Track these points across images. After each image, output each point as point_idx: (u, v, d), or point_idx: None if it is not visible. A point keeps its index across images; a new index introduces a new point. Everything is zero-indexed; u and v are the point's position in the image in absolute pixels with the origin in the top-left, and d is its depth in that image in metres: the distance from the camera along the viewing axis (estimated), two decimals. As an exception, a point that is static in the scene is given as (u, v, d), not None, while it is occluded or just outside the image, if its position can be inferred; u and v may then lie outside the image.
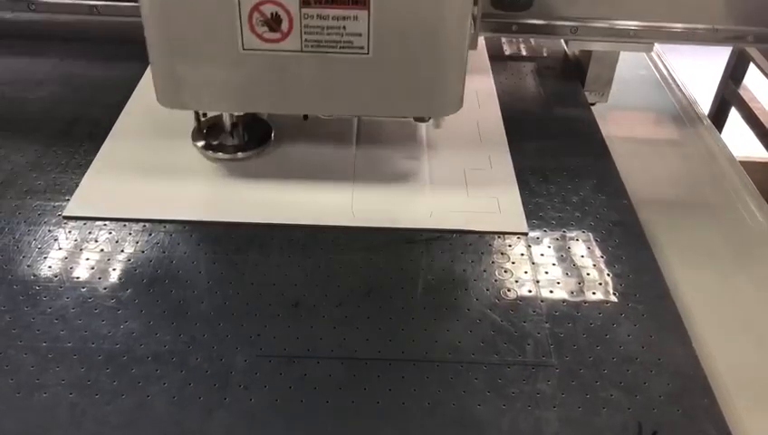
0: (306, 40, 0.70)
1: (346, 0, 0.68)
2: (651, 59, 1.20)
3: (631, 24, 0.94)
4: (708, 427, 0.59)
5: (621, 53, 1.02)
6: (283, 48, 0.71)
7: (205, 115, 0.87)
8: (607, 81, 1.05)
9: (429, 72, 0.73)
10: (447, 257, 0.74)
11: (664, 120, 1.06)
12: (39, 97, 0.98)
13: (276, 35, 0.70)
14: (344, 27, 0.70)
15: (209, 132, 0.87)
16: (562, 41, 1.12)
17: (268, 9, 0.69)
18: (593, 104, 1.04)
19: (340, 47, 0.71)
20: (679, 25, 0.94)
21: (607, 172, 0.87)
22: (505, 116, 0.96)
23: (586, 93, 1.05)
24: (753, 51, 1.30)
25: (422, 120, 0.83)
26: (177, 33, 0.71)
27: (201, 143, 0.86)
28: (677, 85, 1.15)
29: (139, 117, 0.93)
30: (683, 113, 1.07)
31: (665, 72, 1.19)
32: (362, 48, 0.71)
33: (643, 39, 0.95)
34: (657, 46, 1.10)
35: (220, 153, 0.85)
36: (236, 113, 0.85)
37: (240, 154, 0.86)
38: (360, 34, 0.70)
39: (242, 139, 0.87)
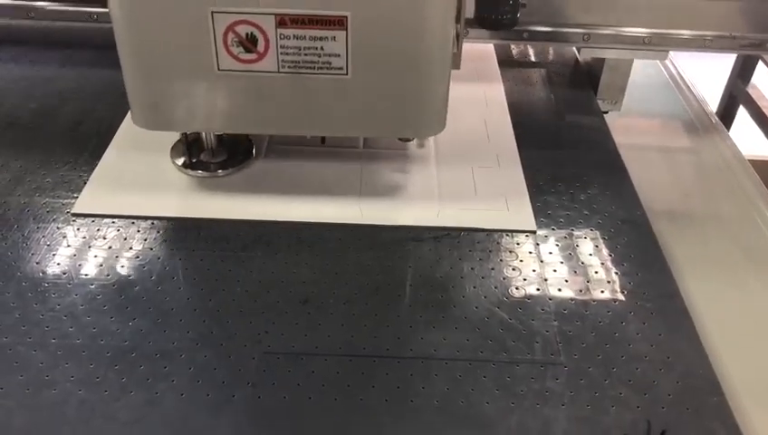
0: (283, 60, 0.69)
1: (323, 20, 0.67)
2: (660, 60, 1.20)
3: (645, 31, 0.93)
4: (717, 425, 0.59)
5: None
6: (260, 69, 0.70)
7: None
8: (620, 88, 1.04)
9: (410, 93, 0.72)
10: (455, 255, 0.74)
11: (676, 126, 1.06)
12: (46, 96, 0.98)
13: (252, 56, 0.69)
14: (322, 48, 0.68)
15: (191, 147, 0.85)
16: (574, 48, 1.11)
17: (243, 30, 0.67)
18: (606, 112, 1.03)
19: (318, 68, 0.70)
20: (694, 32, 0.93)
21: (616, 172, 0.87)
22: (516, 124, 0.95)
23: (599, 101, 1.04)
24: (762, 50, 1.29)
25: (406, 139, 0.82)
26: (152, 54, 0.70)
27: (181, 161, 0.84)
28: (688, 88, 1.14)
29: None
30: (695, 119, 1.07)
31: (674, 73, 1.19)
32: (341, 69, 0.70)
33: (657, 46, 0.95)
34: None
35: (200, 171, 0.83)
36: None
37: (221, 171, 0.83)
38: (339, 55, 0.69)
39: (223, 155, 0.85)
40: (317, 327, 0.66)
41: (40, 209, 0.78)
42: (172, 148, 0.85)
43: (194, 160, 0.84)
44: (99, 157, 0.85)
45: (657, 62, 1.19)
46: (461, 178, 0.84)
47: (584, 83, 1.07)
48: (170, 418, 0.58)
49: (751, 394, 0.63)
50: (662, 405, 0.60)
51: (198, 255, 0.73)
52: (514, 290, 0.70)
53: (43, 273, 0.70)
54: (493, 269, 0.72)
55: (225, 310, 0.67)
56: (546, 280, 0.71)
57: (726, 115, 1.42)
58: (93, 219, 0.77)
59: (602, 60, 1.01)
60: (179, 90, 0.72)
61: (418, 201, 0.80)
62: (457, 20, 0.70)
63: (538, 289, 0.70)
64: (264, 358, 0.63)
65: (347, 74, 0.70)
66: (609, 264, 0.74)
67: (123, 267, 0.71)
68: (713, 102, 1.26)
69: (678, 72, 1.20)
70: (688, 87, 1.16)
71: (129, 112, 0.92)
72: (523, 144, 0.90)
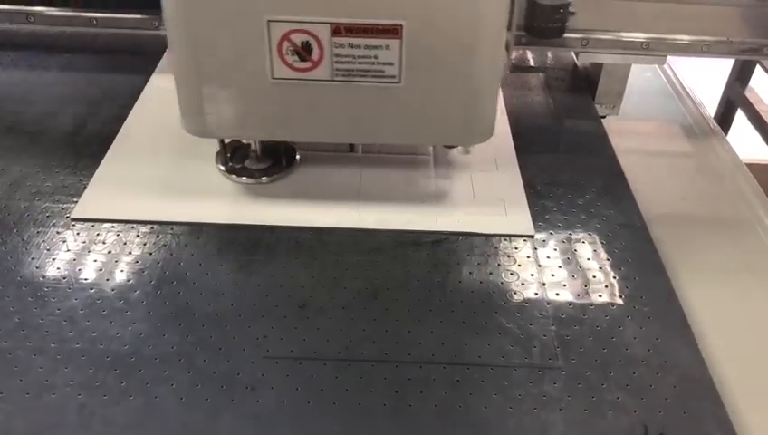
0: (337, 69, 0.70)
1: (378, 29, 0.67)
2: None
3: (643, 36, 0.94)
4: (714, 429, 0.59)
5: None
6: (313, 77, 0.70)
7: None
8: (618, 93, 1.04)
9: (462, 101, 0.72)
10: (453, 260, 0.74)
11: (674, 130, 1.06)
12: (46, 101, 0.98)
13: (306, 64, 0.69)
14: (376, 56, 0.69)
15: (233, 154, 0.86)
16: (572, 52, 1.11)
17: (298, 38, 0.68)
18: (604, 117, 1.04)
19: (372, 76, 0.70)
20: (692, 38, 0.94)
21: (614, 176, 0.88)
22: (514, 128, 0.95)
23: (597, 106, 1.04)
24: (760, 54, 1.29)
25: (451, 146, 0.82)
26: (206, 62, 0.70)
27: (223, 167, 0.84)
28: (686, 92, 1.15)
29: (146, 121, 0.94)
30: (693, 123, 1.08)
31: (672, 78, 1.19)
32: (394, 77, 0.70)
33: (655, 51, 0.95)
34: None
35: (244, 177, 0.83)
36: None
37: (264, 178, 0.83)
38: (392, 63, 0.69)
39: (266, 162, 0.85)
40: (316, 332, 0.66)
41: (40, 214, 0.78)
42: (217, 153, 0.85)
43: (237, 166, 0.84)
44: (99, 161, 0.86)
45: (656, 66, 1.20)
46: (460, 183, 0.84)
47: (582, 88, 1.07)
48: (169, 422, 0.58)
49: (747, 398, 0.64)
50: (659, 409, 0.60)
51: (197, 259, 0.73)
52: (512, 294, 0.71)
53: (43, 277, 0.70)
54: (491, 274, 0.73)
55: (224, 314, 0.67)
56: (544, 284, 0.72)
57: (724, 119, 1.43)
58: (93, 224, 0.77)
59: (600, 65, 1.02)
60: (232, 98, 0.73)
61: (417, 205, 0.80)
62: (508, 27, 0.71)
63: (536, 293, 0.71)
64: (262, 362, 0.63)
65: (400, 83, 0.71)
66: (606, 268, 0.74)
67: (123, 272, 0.71)
68: (711, 107, 1.26)
69: (676, 77, 1.20)
70: (686, 91, 1.16)
71: (128, 118, 0.93)
72: (522, 148, 0.91)
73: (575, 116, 1.01)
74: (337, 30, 0.68)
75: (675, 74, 1.20)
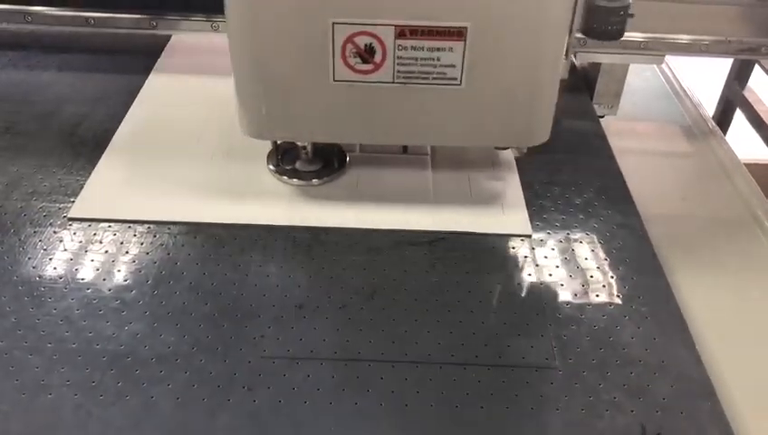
0: (398, 71, 0.70)
1: (443, 31, 0.67)
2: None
3: (640, 35, 0.94)
4: (711, 429, 0.59)
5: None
6: (375, 79, 0.70)
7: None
8: (616, 93, 1.04)
9: (523, 103, 0.72)
10: (451, 259, 0.74)
11: (672, 129, 1.06)
12: (43, 101, 0.98)
13: (368, 66, 0.69)
14: (438, 58, 0.69)
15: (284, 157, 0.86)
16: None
17: (362, 40, 0.68)
18: (602, 117, 1.04)
19: (433, 78, 0.70)
20: (691, 37, 0.94)
21: (612, 176, 0.88)
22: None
23: (595, 105, 1.04)
24: (759, 54, 1.29)
25: (505, 147, 0.82)
26: (267, 64, 0.70)
27: (274, 168, 0.85)
28: (685, 92, 1.15)
29: (143, 120, 0.94)
30: (692, 122, 1.07)
31: (671, 77, 1.19)
32: (455, 79, 0.70)
33: (653, 51, 0.95)
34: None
35: (295, 179, 0.83)
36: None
37: (315, 181, 0.83)
38: (454, 66, 0.69)
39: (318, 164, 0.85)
40: (313, 332, 0.66)
41: (36, 214, 0.78)
42: (269, 154, 0.86)
43: (287, 168, 0.84)
44: (95, 161, 0.85)
45: (654, 66, 1.20)
46: (457, 183, 0.84)
47: (580, 88, 1.07)
48: (166, 422, 0.58)
49: (745, 398, 0.63)
50: (656, 409, 0.60)
51: (194, 259, 0.73)
52: (510, 294, 0.70)
53: (40, 277, 0.70)
54: (488, 273, 0.73)
55: (220, 314, 0.67)
56: (542, 284, 0.72)
57: (723, 119, 1.42)
58: (90, 224, 0.77)
59: (598, 64, 1.01)
60: (292, 100, 0.73)
61: (414, 205, 0.80)
62: (570, 30, 0.71)
63: (533, 293, 0.71)
64: (259, 362, 0.63)
65: (461, 84, 0.70)
66: (604, 268, 0.74)
67: (119, 272, 0.71)
68: (709, 107, 1.26)
69: (675, 76, 1.20)
70: (685, 91, 1.16)
71: (125, 117, 0.93)
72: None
73: (573, 116, 1.00)
74: (402, 32, 0.68)
75: (673, 74, 1.20)
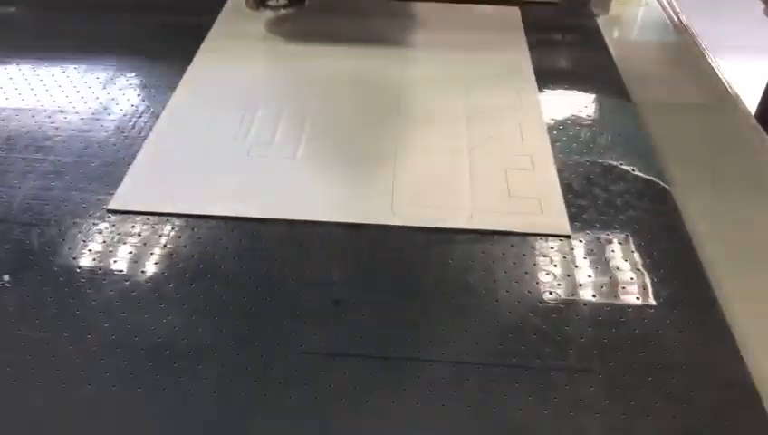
0: None
1: None
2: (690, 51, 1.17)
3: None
4: (756, 439, 0.58)
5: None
6: None
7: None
8: None
9: None
10: (488, 259, 0.73)
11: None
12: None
13: None
14: None
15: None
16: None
17: None
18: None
19: None
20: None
21: (652, 173, 0.86)
22: (550, 126, 0.95)
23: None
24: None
25: None
26: None
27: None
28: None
29: (184, 112, 0.94)
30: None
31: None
32: None
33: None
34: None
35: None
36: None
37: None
38: None
39: None
40: (349, 328, 0.65)
41: (76, 205, 0.79)
42: None
43: None
44: (135, 154, 0.86)
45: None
46: (494, 180, 0.83)
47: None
48: (203, 416, 0.58)
49: (791, 407, 0.62)
50: (699, 417, 0.59)
51: (232, 253, 0.73)
52: (548, 295, 0.69)
53: (80, 268, 0.71)
54: (526, 273, 0.72)
55: (258, 309, 0.67)
56: (581, 286, 0.71)
57: (765, 117, 1.39)
58: (129, 216, 0.77)
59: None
60: None
61: (451, 203, 0.80)
62: None
63: (572, 295, 0.70)
64: (296, 358, 0.63)
65: None
66: (645, 270, 0.73)
67: (157, 264, 0.72)
68: (751, 105, 1.23)
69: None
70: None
71: (165, 109, 0.94)
72: (557, 146, 0.89)
73: (616, 117, 0.99)
74: None
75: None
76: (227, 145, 0.88)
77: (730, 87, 1.08)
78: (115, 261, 0.72)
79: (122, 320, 0.66)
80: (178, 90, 0.99)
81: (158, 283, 0.70)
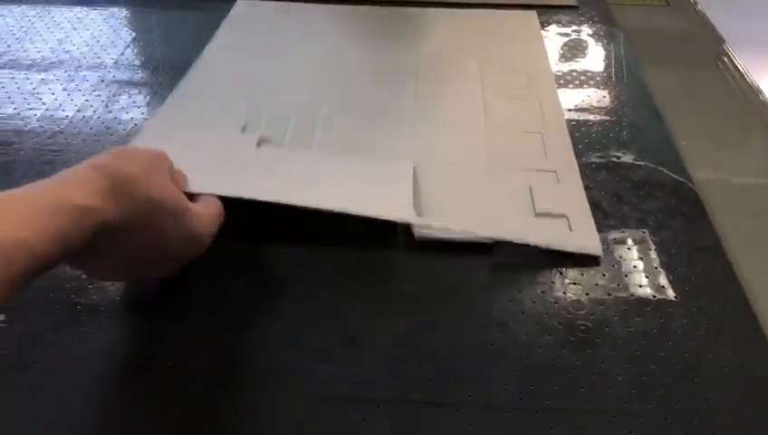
0: None
1: None
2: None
3: None
4: (816, 490, 0.53)
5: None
6: None
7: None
8: None
9: None
10: (515, 287, 0.68)
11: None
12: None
13: None
14: None
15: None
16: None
17: None
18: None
19: None
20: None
21: (685, 192, 0.81)
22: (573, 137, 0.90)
23: None
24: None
25: None
26: None
27: None
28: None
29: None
30: None
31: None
32: None
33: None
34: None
35: None
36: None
37: None
38: None
39: None
40: (366, 368, 0.60)
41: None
42: None
43: None
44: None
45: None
46: (519, 198, 0.78)
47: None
48: (210, 470, 0.54)
49: None
50: (755, 467, 0.54)
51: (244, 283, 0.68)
52: (581, 328, 0.64)
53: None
54: (556, 304, 0.67)
55: (270, 346, 0.62)
56: (615, 317, 0.65)
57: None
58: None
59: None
60: None
61: (472, 226, 0.74)
62: None
63: (607, 327, 0.64)
64: (309, 400, 0.58)
65: None
66: (684, 298, 0.67)
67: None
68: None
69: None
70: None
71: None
72: (585, 165, 0.84)
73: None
74: None
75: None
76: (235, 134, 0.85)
77: None
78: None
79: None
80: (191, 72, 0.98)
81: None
